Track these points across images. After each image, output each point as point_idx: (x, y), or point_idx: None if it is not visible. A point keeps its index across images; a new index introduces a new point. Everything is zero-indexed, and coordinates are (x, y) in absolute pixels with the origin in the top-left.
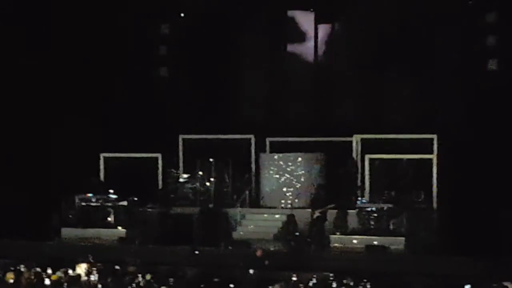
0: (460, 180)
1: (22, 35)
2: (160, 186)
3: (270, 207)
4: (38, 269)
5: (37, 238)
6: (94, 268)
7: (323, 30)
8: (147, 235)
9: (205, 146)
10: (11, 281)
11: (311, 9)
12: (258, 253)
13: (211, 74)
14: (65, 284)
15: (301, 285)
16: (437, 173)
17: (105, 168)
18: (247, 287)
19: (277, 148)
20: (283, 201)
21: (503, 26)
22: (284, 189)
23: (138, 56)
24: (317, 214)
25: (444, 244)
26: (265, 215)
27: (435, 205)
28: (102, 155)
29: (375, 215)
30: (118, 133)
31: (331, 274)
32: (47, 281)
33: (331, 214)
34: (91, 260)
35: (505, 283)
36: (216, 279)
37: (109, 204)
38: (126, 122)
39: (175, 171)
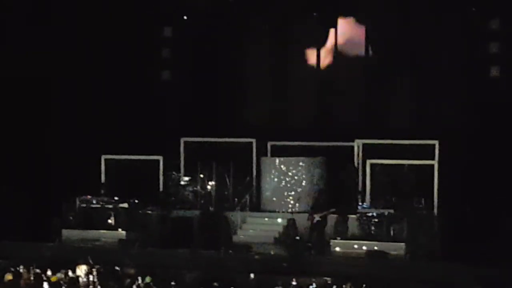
0: (461, 186)
1: (24, 35)
2: (161, 189)
3: (270, 211)
4: (38, 270)
5: (37, 239)
6: (94, 270)
7: (326, 34)
8: (147, 238)
9: (207, 149)
10: (8, 281)
11: (314, 13)
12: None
13: (213, 77)
14: (65, 285)
15: None
16: (438, 179)
17: (106, 170)
18: None
19: (278, 152)
20: (283, 205)
21: (505, 33)
22: (285, 193)
23: (140, 58)
24: (317, 218)
25: (444, 251)
26: (266, 219)
27: (436, 211)
28: (103, 157)
29: (376, 220)
30: (119, 135)
31: (330, 279)
32: (46, 283)
33: (332, 218)
34: (91, 262)
35: None
36: (216, 283)
37: (110, 206)
38: (127, 124)
39: (176, 174)
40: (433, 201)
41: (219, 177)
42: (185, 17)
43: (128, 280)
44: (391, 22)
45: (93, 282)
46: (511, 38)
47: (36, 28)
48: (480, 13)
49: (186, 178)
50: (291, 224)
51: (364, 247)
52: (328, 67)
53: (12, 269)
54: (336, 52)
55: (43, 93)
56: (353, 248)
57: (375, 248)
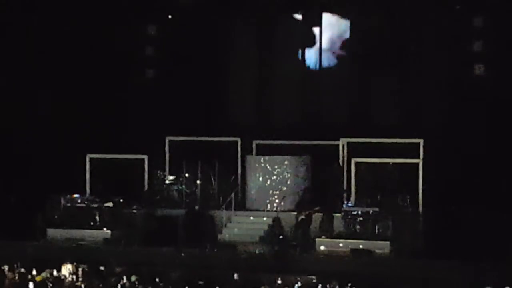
0: (446, 184)
1: (11, 34)
2: (146, 188)
3: (255, 210)
4: (23, 270)
5: (22, 238)
6: (79, 269)
7: (311, 33)
8: (133, 237)
9: (192, 148)
10: None
11: (299, 12)
12: None
13: (198, 76)
14: (50, 285)
15: None
16: (423, 178)
17: (91, 168)
18: None
19: (263, 150)
20: (269, 204)
21: (489, 31)
22: (270, 192)
23: (125, 57)
24: (302, 217)
25: (429, 249)
26: (251, 217)
27: (420, 209)
28: (88, 156)
29: (361, 218)
30: (104, 133)
31: (316, 277)
32: (31, 282)
33: (317, 217)
34: (76, 261)
35: None
36: (201, 281)
37: (95, 205)
38: (112, 123)
39: (161, 173)
40: (418, 199)
41: (204, 176)
42: (169, 16)
43: (114, 279)
44: (376, 20)
45: (78, 281)
46: (495, 36)
47: (21, 26)
48: (465, 10)
49: (171, 177)
50: (276, 222)
51: (349, 246)
52: (313, 66)
53: None
54: (321, 50)
55: (28, 91)
56: (338, 246)
57: (360, 246)
